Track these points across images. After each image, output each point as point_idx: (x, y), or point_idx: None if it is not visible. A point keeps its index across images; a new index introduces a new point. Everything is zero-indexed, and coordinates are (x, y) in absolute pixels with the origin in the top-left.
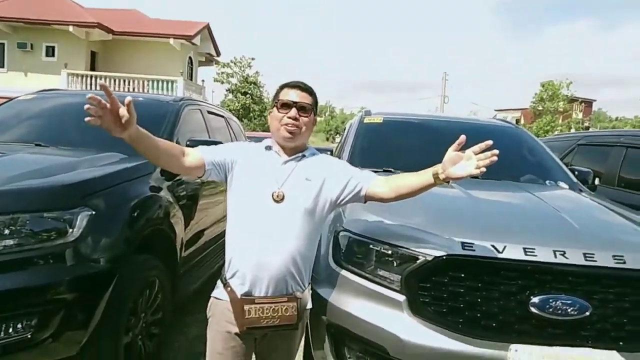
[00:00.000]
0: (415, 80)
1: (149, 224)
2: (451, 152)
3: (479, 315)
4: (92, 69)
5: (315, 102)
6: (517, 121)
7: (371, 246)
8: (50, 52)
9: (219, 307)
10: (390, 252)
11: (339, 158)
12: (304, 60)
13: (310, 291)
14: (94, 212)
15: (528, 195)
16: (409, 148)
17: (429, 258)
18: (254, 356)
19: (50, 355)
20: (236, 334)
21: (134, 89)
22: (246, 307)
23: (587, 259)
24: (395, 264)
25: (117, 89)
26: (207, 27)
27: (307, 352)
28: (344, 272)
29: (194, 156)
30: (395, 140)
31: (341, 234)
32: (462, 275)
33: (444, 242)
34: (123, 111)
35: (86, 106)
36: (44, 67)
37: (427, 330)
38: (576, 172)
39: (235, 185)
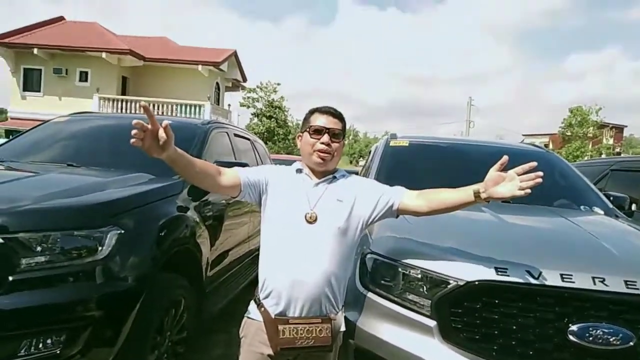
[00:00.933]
0: (439, 105)
1: (176, 244)
2: (493, 172)
3: (514, 342)
4: (123, 93)
5: (345, 127)
6: (546, 145)
7: (400, 269)
8: (83, 77)
9: (252, 327)
10: (419, 275)
11: None
12: (327, 85)
13: (343, 314)
14: (122, 231)
15: (562, 220)
16: (435, 172)
17: (461, 283)
18: None
19: None
20: (269, 355)
21: (163, 113)
22: (280, 327)
23: (629, 286)
24: (425, 288)
25: None
26: (234, 54)
27: None
28: (371, 295)
29: (230, 176)
30: (422, 164)
31: (368, 256)
32: (496, 301)
33: (477, 267)
34: (162, 133)
35: (133, 131)
36: (77, 92)
37: (459, 357)
38: (611, 198)
39: (268, 207)
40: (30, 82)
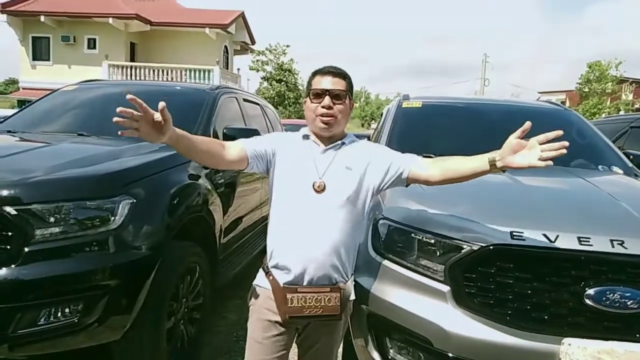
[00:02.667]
0: (453, 63)
1: (189, 211)
2: (512, 140)
3: (528, 307)
4: (132, 59)
5: (350, 86)
6: (563, 103)
7: (413, 235)
8: (91, 44)
9: (260, 295)
10: (433, 241)
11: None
12: (337, 46)
13: (353, 282)
14: (134, 200)
15: (580, 181)
16: (450, 133)
17: (475, 248)
18: (294, 347)
19: (96, 339)
20: (277, 322)
21: (172, 79)
22: (289, 296)
23: None
24: (438, 254)
25: (155, 78)
26: (242, 16)
27: (347, 340)
28: (384, 262)
29: (235, 149)
30: (436, 125)
31: (380, 222)
32: (511, 265)
33: (491, 231)
34: (158, 116)
35: (115, 119)
36: (86, 59)
37: (472, 322)
38: (631, 157)
39: (276, 177)
40: (39, 51)
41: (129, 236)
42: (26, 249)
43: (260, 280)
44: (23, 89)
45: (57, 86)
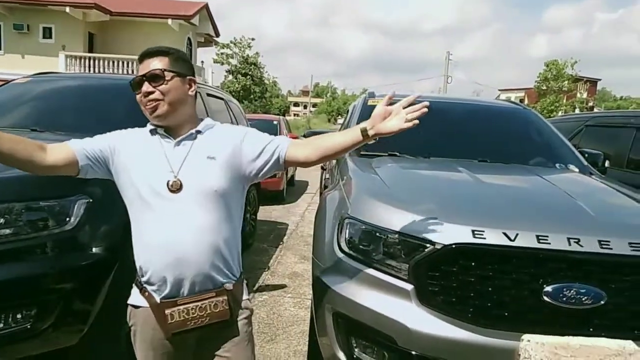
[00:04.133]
0: (419, 60)
1: None
2: (380, 107)
3: (489, 304)
4: (90, 50)
5: (180, 62)
6: (521, 100)
7: (378, 234)
8: (47, 33)
9: (139, 314)
10: (397, 240)
11: None
12: (302, 39)
13: (243, 282)
14: (91, 200)
15: (538, 179)
16: (415, 131)
17: (438, 247)
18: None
19: (51, 344)
20: (165, 340)
21: (132, 71)
22: (167, 312)
23: (603, 246)
24: (402, 253)
25: (115, 70)
26: (206, 7)
27: (312, 338)
28: (349, 260)
29: (59, 152)
30: None
31: (346, 221)
32: (472, 264)
33: (453, 230)
34: None
35: None
36: (41, 49)
37: (435, 319)
38: (586, 155)
39: (123, 180)
40: None
41: (86, 237)
42: None
43: (136, 298)
44: None
45: (10, 77)
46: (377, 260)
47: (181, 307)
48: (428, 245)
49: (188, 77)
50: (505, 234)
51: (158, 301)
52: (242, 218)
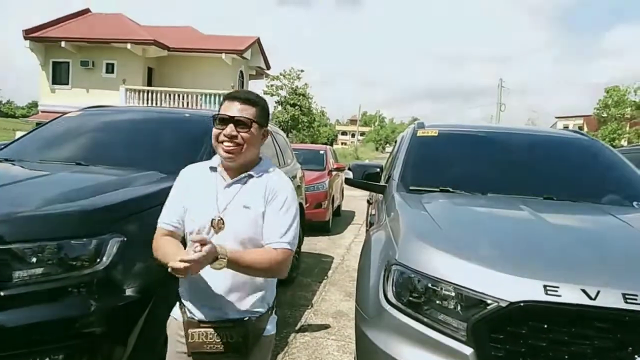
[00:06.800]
0: (469, 86)
1: None
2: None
3: None
4: (149, 84)
5: (263, 113)
6: (580, 128)
7: (430, 285)
8: (109, 68)
9: (172, 326)
10: (453, 293)
11: (390, 174)
12: (352, 70)
13: (276, 317)
14: (125, 238)
15: (614, 220)
16: (468, 165)
17: (503, 304)
18: None
19: None
20: (189, 355)
21: (188, 103)
22: (190, 331)
23: None
24: (459, 308)
25: (171, 103)
26: (258, 42)
27: None
28: (396, 313)
29: (172, 232)
30: (453, 156)
31: (393, 267)
32: (545, 326)
33: (521, 284)
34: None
35: None
36: (104, 83)
37: None
38: None
39: (186, 219)
40: (59, 75)
41: (118, 277)
42: (2, 293)
43: (175, 311)
44: (42, 112)
45: (74, 109)
46: (430, 315)
47: (202, 330)
48: (491, 301)
49: (264, 128)
50: (584, 291)
51: (186, 319)
52: None
